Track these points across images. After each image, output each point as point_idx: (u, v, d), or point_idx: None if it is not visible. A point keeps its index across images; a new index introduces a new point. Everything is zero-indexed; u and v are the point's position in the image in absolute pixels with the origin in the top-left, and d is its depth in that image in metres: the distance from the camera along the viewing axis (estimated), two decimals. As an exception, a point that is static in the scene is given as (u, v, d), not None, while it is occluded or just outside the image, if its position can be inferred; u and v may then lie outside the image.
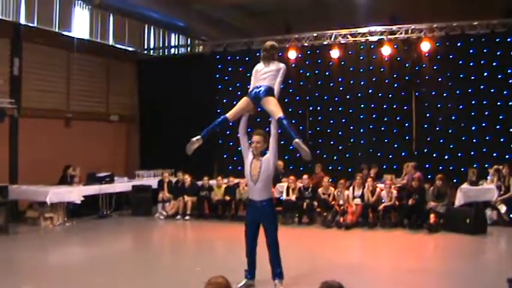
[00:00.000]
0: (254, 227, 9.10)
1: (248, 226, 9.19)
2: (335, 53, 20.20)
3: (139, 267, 11.68)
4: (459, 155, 18.82)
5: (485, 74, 18.62)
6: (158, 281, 10.19)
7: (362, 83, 20.30)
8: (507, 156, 17.65)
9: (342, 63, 20.48)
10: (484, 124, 18.60)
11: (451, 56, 19.09)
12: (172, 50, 25.97)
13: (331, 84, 20.66)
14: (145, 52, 24.67)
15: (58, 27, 20.30)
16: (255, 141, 9.34)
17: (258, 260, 9.02)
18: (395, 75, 19.85)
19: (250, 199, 9.36)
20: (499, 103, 18.41)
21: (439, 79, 19.28)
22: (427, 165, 18.75)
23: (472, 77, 18.77)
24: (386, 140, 19.91)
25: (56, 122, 19.99)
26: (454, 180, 17.62)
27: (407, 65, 19.68)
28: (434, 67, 19.38)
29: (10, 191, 16.33)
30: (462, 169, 18.07)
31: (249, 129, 10.15)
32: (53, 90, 20.10)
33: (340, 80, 20.54)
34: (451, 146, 18.98)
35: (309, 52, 21.04)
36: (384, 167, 19.21)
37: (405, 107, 19.74)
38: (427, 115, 19.50)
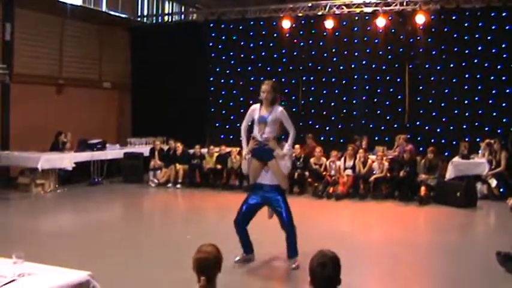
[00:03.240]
0: (253, 211, 9.07)
1: (246, 209, 9.07)
2: (329, 24, 20.09)
3: (130, 235, 11.71)
4: (451, 128, 18.85)
5: (480, 48, 18.57)
6: (149, 248, 10.23)
7: (356, 54, 20.21)
8: (499, 131, 17.67)
9: (336, 34, 20.36)
10: (476, 98, 18.59)
11: (445, 29, 19.02)
12: (166, 18, 25.85)
13: (325, 55, 20.60)
14: (139, 19, 24.54)
15: (51, -7, 20.14)
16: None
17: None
18: (389, 47, 19.76)
19: (258, 183, 9.11)
20: (492, 77, 18.37)
21: (433, 52, 19.23)
22: (419, 138, 18.81)
23: (466, 51, 18.72)
24: (378, 112, 19.91)
25: (48, 88, 19.88)
26: (446, 154, 17.65)
27: (401, 37, 19.62)
28: (429, 40, 19.29)
29: (1, 157, 16.39)
30: (454, 142, 18.17)
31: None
32: (45, 56, 19.95)
33: (334, 50, 20.45)
34: (444, 119, 18.99)
35: (303, 22, 20.93)
36: (376, 138, 19.25)
37: (398, 79, 19.70)
38: (420, 88, 19.48)
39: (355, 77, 20.29)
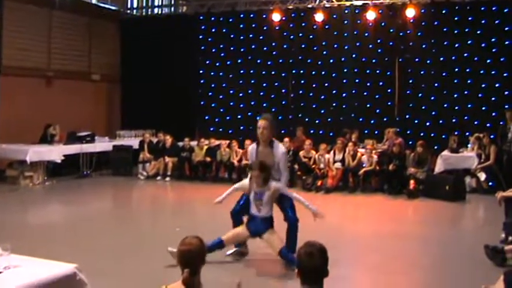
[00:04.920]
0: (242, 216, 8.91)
1: (244, 201, 8.86)
2: (319, 17, 20.06)
3: (119, 227, 11.72)
4: (440, 122, 18.90)
5: (469, 42, 18.61)
6: (137, 240, 10.22)
7: (346, 47, 20.22)
8: (488, 125, 17.75)
9: (326, 27, 20.35)
10: (466, 92, 18.65)
11: (435, 23, 19.05)
12: (156, 10, 25.75)
13: (315, 48, 20.60)
14: (128, 11, 24.47)
15: (40, -16, 20.02)
16: (260, 126, 8.57)
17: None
18: (379, 41, 19.78)
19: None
20: (481, 71, 18.43)
21: (423, 46, 19.26)
22: (408, 132, 18.89)
23: (456, 45, 18.77)
24: (368, 105, 19.92)
25: (37, 80, 19.79)
26: (435, 147, 17.74)
27: (391, 30, 19.64)
28: (419, 34, 19.31)
29: (-11, 149, 16.26)
30: (443, 136, 18.24)
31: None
32: (34, 48, 19.82)
33: (323, 43, 20.47)
34: (433, 113, 19.04)
35: (293, 15, 20.91)
36: (366, 132, 19.29)
37: (388, 73, 19.73)
38: (410, 81, 19.52)
39: (345, 70, 20.29)
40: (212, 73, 22.03)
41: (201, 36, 22.32)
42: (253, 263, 8.86)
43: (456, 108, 18.74)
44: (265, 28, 21.12)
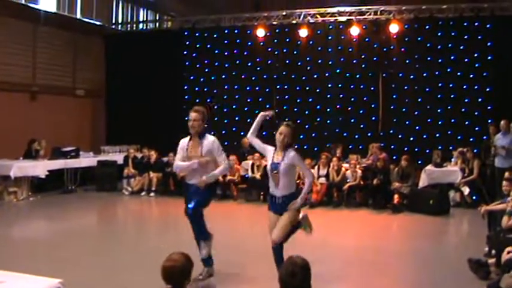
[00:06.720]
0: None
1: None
2: (303, 32, 20.18)
3: (104, 243, 11.68)
4: (424, 136, 19.00)
5: (452, 57, 18.76)
6: (121, 256, 10.20)
7: (330, 62, 20.33)
8: (471, 139, 17.86)
9: (310, 42, 20.47)
10: (449, 107, 18.78)
11: (419, 39, 19.17)
12: (141, 26, 25.80)
13: (299, 63, 20.67)
14: (113, 27, 24.44)
15: (25, -1, 20.02)
16: (191, 118, 8.67)
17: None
18: (363, 56, 19.90)
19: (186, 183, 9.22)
20: (464, 86, 18.58)
21: (407, 61, 19.40)
22: (392, 146, 18.92)
23: (439, 60, 18.91)
24: (352, 120, 20.00)
25: (21, 95, 19.73)
26: (419, 162, 17.76)
27: (375, 46, 19.76)
28: (402, 49, 19.47)
29: (-27, 164, 16.17)
30: (427, 151, 18.27)
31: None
32: (18, 63, 19.79)
33: (308, 59, 20.55)
34: (417, 128, 19.14)
35: (277, 31, 21.04)
36: (350, 147, 19.37)
37: (372, 88, 19.83)
38: (394, 96, 19.61)
39: (329, 85, 20.37)
40: (197, 88, 22.06)
41: (185, 52, 22.34)
42: (234, 275, 8.84)
43: (439, 122, 18.85)
44: (249, 44, 21.19)
